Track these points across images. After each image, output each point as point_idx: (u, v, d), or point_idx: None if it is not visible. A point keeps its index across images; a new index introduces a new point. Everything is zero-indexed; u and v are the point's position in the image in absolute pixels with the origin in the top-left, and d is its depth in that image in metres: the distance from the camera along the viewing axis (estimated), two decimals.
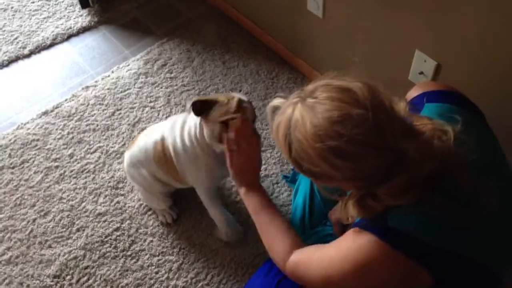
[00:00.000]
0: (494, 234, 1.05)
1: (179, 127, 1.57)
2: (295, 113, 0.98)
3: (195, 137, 1.51)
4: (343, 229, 1.41)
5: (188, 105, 1.43)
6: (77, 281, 1.74)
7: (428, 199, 0.97)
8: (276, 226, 1.29)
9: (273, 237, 1.28)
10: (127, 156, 1.76)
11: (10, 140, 2.12)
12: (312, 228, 1.57)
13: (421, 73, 1.64)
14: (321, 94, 0.97)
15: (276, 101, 1.07)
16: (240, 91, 2.22)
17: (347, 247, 1.05)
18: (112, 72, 2.35)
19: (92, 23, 2.57)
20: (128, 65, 2.37)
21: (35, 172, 2.01)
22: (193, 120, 1.52)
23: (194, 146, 1.53)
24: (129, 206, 1.90)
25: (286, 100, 1.04)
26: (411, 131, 0.98)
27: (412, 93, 1.24)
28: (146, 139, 1.68)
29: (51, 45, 2.50)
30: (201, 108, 1.42)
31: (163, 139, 1.61)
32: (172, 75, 2.31)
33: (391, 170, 0.95)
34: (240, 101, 1.42)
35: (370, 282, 1.03)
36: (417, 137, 0.97)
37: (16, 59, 2.44)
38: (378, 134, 0.93)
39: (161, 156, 1.62)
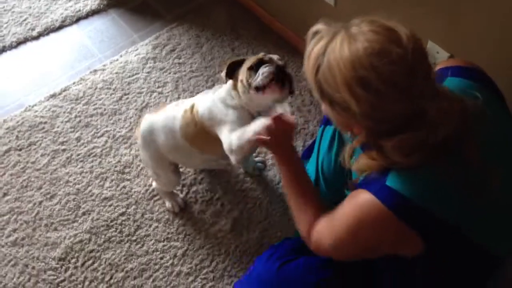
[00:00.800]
0: (494, 218, 1.04)
1: (211, 94, 1.55)
2: (335, 38, 0.97)
3: (227, 99, 1.49)
4: None
5: (223, 71, 1.45)
6: (82, 264, 1.74)
7: (433, 165, 0.97)
8: (301, 198, 1.27)
9: (297, 211, 1.27)
10: (148, 121, 1.65)
11: (17, 122, 2.11)
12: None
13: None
14: (366, 27, 0.96)
15: (318, 26, 1.04)
16: None
17: (347, 207, 1.07)
18: (121, 56, 2.33)
19: (102, 6, 2.55)
20: (137, 49, 2.35)
21: (42, 155, 2.01)
22: (224, 89, 1.51)
23: (228, 103, 1.49)
24: (135, 191, 1.90)
25: (328, 26, 1.03)
26: (436, 94, 0.97)
27: (437, 66, 1.23)
28: (176, 109, 1.61)
29: (60, 27, 2.49)
30: (233, 68, 1.44)
31: (193, 106, 1.55)
32: (181, 60, 2.29)
33: (407, 122, 0.95)
34: (264, 55, 1.42)
35: (363, 240, 1.04)
36: (440, 101, 0.96)
37: (25, 40, 2.44)
38: (408, 79, 0.92)
39: (189, 123, 1.54)
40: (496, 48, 1.43)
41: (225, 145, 1.44)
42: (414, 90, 0.93)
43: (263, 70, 1.38)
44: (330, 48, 0.97)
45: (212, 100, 1.51)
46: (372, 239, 1.04)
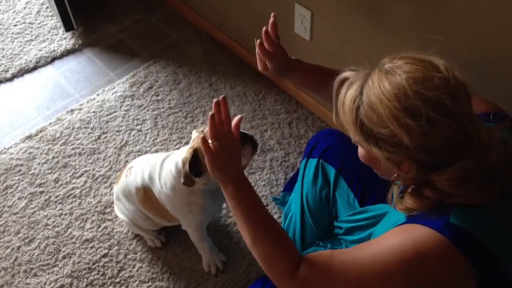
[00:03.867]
0: None
1: (164, 171, 1.54)
2: (370, 78, 0.96)
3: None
4: None
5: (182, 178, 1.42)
6: None
7: (495, 205, 0.95)
8: (277, 230, 1.14)
9: (275, 242, 1.11)
10: (114, 190, 1.77)
11: None
12: (303, 250, 1.56)
13: None
14: (400, 62, 0.95)
15: (346, 73, 1.03)
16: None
17: (399, 239, 0.96)
18: (98, 95, 2.32)
19: (76, 45, 2.55)
20: (114, 88, 2.35)
21: (19, 198, 1.97)
22: (173, 164, 1.51)
23: (182, 189, 1.49)
24: (117, 232, 1.86)
25: (356, 72, 1.01)
26: (482, 121, 0.97)
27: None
28: (128, 179, 1.65)
29: (35, 68, 2.47)
30: (194, 171, 1.40)
31: (144, 186, 1.60)
32: (159, 97, 2.30)
33: (456, 151, 0.92)
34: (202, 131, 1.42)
35: (416, 277, 0.95)
36: (483, 127, 0.95)
37: None
38: (455, 103, 0.90)
39: (146, 201, 1.62)
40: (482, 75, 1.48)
41: (187, 228, 1.65)
42: (461, 113, 0.91)
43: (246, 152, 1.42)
44: (367, 87, 0.95)
45: (166, 181, 1.55)
46: (428, 278, 0.95)
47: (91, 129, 2.19)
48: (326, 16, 1.85)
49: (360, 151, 1.06)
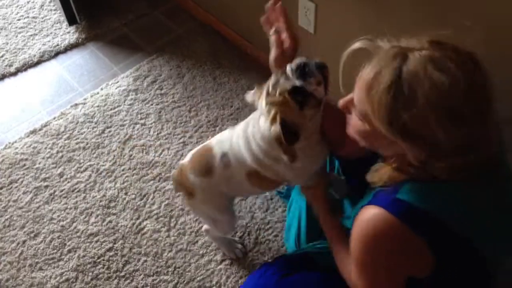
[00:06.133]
0: (501, 232, 1.05)
1: (255, 156, 1.33)
2: (409, 63, 0.89)
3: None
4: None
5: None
6: None
7: (456, 182, 0.96)
8: (342, 242, 1.24)
9: (342, 256, 1.23)
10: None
11: None
12: (308, 242, 1.56)
13: None
14: (438, 52, 0.89)
15: (362, 43, 0.98)
16: (231, 107, 2.22)
17: (356, 227, 1.03)
18: (101, 89, 2.32)
19: (80, 40, 2.55)
20: (118, 82, 2.34)
21: (24, 193, 1.97)
22: (254, 142, 1.31)
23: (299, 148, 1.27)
24: (121, 225, 1.87)
25: (376, 45, 0.97)
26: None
27: None
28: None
29: (38, 62, 2.47)
30: (290, 139, 1.19)
31: (252, 169, 1.37)
32: (163, 91, 2.29)
33: (469, 147, 0.91)
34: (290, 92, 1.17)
35: (379, 256, 1.01)
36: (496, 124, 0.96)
37: (3, 77, 2.41)
38: (489, 106, 0.91)
39: (256, 180, 1.40)
40: None
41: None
42: (489, 115, 0.91)
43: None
44: (407, 75, 0.88)
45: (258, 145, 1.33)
46: (385, 255, 1.00)
47: (95, 123, 2.18)
48: (330, 9, 1.83)
49: (359, 125, 1.01)
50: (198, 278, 1.73)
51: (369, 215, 1.00)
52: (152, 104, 2.24)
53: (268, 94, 1.21)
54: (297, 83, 1.16)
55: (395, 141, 0.94)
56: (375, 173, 1.05)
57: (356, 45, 0.99)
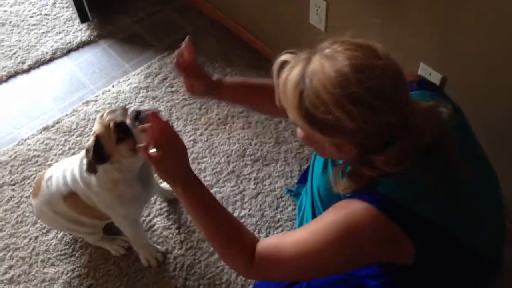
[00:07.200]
0: (474, 218, 1.07)
1: (82, 171, 1.51)
2: (312, 63, 0.97)
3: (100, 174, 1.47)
4: None
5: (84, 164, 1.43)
6: None
7: (419, 168, 1.00)
8: (229, 223, 1.17)
9: (228, 235, 1.16)
10: (34, 204, 1.69)
11: (10, 156, 2.09)
12: None
13: None
14: (340, 47, 0.97)
15: (285, 56, 1.04)
16: None
17: (333, 215, 1.04)
18: (113, 86, 2.34)
19: (92, 37, 2.56)
20: (129, 79, 2.36)
21: None
22: (75, 165, 1.53)
23: (107, 177, 1.48)
24: None
25: (296, 55, 1.03)
26: (414, 101, 1.01)
27: None
28: (51, 190, 1.61)
29: (51, 59, 2.49)
30: (98, 157, 1.38)
31: (71, 192, 1.57)
32: (173, 89, 2.30)
33: (394, 133, 0.97)
34: (116, 124, 1.37)
35: (354, 247, 1.01)
36: (419, 109, 1.00)
37: (15, 74, 2.43)
38: (395, 89, 0.95)
39: (77, 206, 1.59)
40: (487, 68, 1.46)
41: (119, 223, 1.64)
42: (400, 99, 0.96)
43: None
44: (308, 72, 0.96)
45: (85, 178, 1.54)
46: (363, 247, 1.02)
47: None
48: (341, 6, 1.83)
49: (300, 133, 1.08)
50: (208, 276, 1.74)
51: (354, 207, 1.01)
52: (162, 102, 2.25)
53: (101, 117, 1.41)
54: (127, 121, 1.36)
55: (323, 141, 1.01)
56: (337, 185, 1.10)
57: (282, 57, 1.05)
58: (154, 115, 1.16)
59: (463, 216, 1.05)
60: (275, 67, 1.05)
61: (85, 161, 1.42)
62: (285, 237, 1.10)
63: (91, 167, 1.40)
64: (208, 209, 1.19)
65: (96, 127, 1.40)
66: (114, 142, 1.38)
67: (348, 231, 1.01)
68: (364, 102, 0.93)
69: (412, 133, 0.97)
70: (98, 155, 1.38)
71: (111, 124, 1.37)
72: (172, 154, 1.17)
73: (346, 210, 1.02)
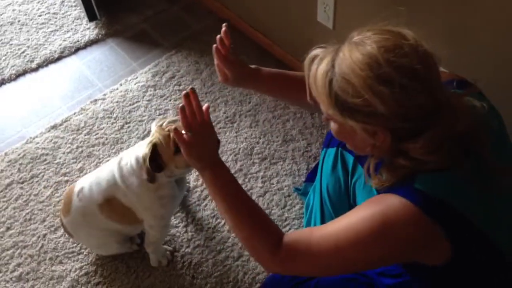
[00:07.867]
0: (507, 218, 1.05)
1: (126, 172, 1.51)
2: (340, 52, 0.97)
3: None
4: None
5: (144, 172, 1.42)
6: None
7: (458, 165, 0.98)
8: (256, 211, 1.18)
9: (255, 224, 1.15)
10: (66, 223, 1.66)
11: (19, 154, 2.10)
12: None
13: None
14: (368, 33, 0.97)
15: (314, 51, 1.04)
16: (249, 103, 2.22)
17: (368, 210, 1.00)
18: (121, 85, 2.34)
19: (100, 36, 2.57)
20: (136, 77, 2.36)
21: (44, 187, 2.00)
22: (133, 161, 1.48)
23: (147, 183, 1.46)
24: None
25: (325, 48, 1.03)
26: (448, 90, 0.99)
27: None
28: (83, 203, 1.58)
29: (59, 58, 2.50)
30: (153, 166, 1.39)
31: (108, 198, 1.54)
32: (181, 87, 2.30)
33: (429, 119, 0.94)
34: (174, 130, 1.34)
35: (388, 244, 0.98)
36: (452, 95, 0.99)
37: (24, 72, 2.44)
38: (425, 69, 0.94)
39: (113, 213, 1.57)
40: (494, 69, 1.45)
41: (151, 225, 1.61)
42: (431, 80, 0.94)
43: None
44: (338, 60, 0.97)
45: (128, 180, 1.53)
46: (398, 243, 0.99)
47: (114, 119, 2.20)
48: (349, 4, 1.82)
49: (333, 126, 1.07)
50: (215, 274, 1.74)
51: (389, 202, 0.98)
52: (170, 100, 2.25)
53: (161, 125, 1.41)
54: None
55: (356, 131, 0.99)
56: (371, 179, 1.08)
57: (313, 52, 1.05)
58: (195, 97, 1.22)
59: (497, 218, 1.02)
60: (306, 62, 1.05)
61: (134, 164, 1.45)
62: (315, 231, 1.08)
63: (150, 176, 1.39)
64: (236, 196, 1.19)
65: (155, 136, 1.39)
66: (172, 152, 1.37)
67: (383, 226, 0.97)
68: (395, 83, 0.91)
69: (446, 120, 0.94)
70: (154, 164, 1.37)
71: (171, 133, 1.34)
72: (204, 139, 1.21)
73: (381, 205, 0.99)
